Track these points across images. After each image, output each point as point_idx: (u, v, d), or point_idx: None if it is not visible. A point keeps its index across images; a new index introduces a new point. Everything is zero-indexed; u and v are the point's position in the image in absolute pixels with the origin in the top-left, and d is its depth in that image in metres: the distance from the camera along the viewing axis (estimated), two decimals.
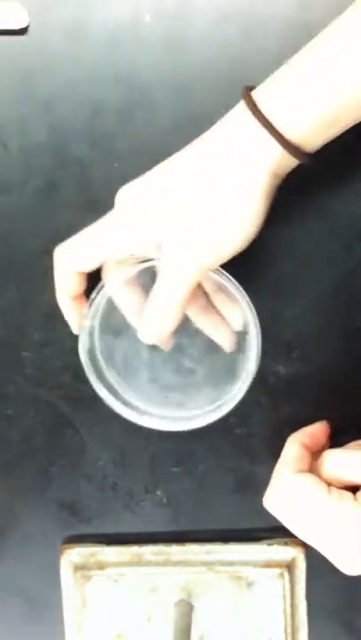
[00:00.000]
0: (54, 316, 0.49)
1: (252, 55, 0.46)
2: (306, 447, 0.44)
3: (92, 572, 0.51)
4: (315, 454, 0.44)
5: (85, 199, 0.48)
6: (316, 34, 0.39)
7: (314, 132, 0.39)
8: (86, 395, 0.50)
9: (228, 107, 0.41)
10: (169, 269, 0.41)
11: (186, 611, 0.51)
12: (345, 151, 0.46)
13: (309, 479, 0.41)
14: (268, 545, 0.51)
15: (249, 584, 0.51)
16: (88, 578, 0.52)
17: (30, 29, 0.46)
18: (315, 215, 0.48)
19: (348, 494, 0.41)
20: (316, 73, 0.38)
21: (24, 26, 0.46)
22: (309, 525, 0.41)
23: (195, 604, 0.51)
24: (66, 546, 0.52)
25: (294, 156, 0.40)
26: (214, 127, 0.41)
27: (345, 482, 0.42)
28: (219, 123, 0.41)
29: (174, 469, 0.51)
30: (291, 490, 0.42)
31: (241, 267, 0.48)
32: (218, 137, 0.41)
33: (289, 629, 0.51)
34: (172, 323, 0.42)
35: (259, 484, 0.50)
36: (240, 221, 0.41)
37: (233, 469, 0.51)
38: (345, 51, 0.37)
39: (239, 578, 0.51)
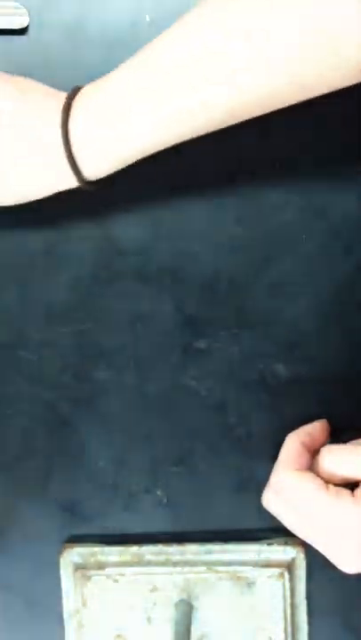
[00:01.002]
0: (54, 315, 0.49)
1: None
2: (305, 445, 0.44)
3: (92, 572, 0.51)
4: (314, 452, 0.45)
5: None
6: None
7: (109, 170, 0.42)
8: (86, 395, 0.50)
9: None
10: None
11: (186, 611, 0.51)
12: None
13: (308, 477, 0.41)
14: (268, 545, 0.51)
15: (249, 584, 0.51)
16: (88, 577, 0.52)
17: (30, 29, 0.46)
18: (315, 215, 0.48)
19: (346, 492, 0.41)
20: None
21: (24, 26, 0.46)
22: (308, 524, 0.41)
23: (195, 604, 0.51)
24: (66, 546, 0.52)
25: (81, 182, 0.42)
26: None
27: (344, 478, 0.42)
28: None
29: (174, 469, 0.51)
30: (289, 488, 0.42)
31: (241, 267, 0.48)
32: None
33: (289, 629, 0.51)
34: None
35: (259, 484, 0.50)
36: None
37: (233, 469, 0.51)
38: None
39: (239, 578, 0.51)
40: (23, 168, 0.41)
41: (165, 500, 0.52)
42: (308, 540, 0.42)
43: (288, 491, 0.42)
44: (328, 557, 0.41)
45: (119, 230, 0.49)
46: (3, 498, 0.52)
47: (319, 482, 0.41)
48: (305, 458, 0.44)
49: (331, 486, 0.41)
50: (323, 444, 0.46)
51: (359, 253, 0.48)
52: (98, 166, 0.41)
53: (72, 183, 0.42)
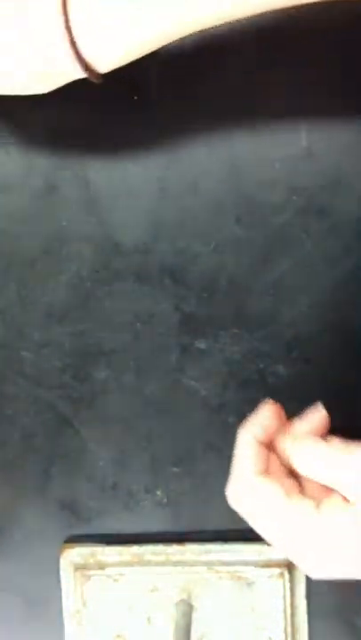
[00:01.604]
0: (54, 315, 0.49)
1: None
2: (260, 442, 0.42)
3: (92, 572, 0.51)
4: (273, 439, 0.43)
5: (85, 199, 0.48)
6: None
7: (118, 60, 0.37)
8: (86, 395, 0.50)
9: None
10: None
11: (186, 611, 0.51)
12: (345, 151, 0.46)
13: (268, 486, 0.40)
14: (269, 545, 0.51)
15: (249, 584, 0.51)
16: (88, 577, 0.52)
17: None
18: (315, 215, 0.48)
19: (309, 503, 0.39)
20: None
21: None
22: (271, 530, 0.40)
23: (195, 604, 0.51)
24: (66, 545, 0.52)
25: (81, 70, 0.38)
26: None
27: (314, 476, 0.40)
28: None
29: (174, 469, 0.51)
30: (251, 493, 0.40)
31: (241, 267, 0.48)
32: None
33: (289, 629, 0.51)
34: None
35: None
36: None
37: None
38: None
39: (239, 578, 0.51)
40: (17, 51, 0.37)
41: (165, 500, 0.52)
42: (273, 544, 0.41)
43: (250, 495, 0.40)
44: (292, 561, 0.41)
45: (119, 230, 0.49)
46: (3, 498, 0.52)
47: (280, 489, 0.39)
48: (262, 456, 0.41)
49: (293, 495, 0.39)
50: (278, 429, 0.43)
51: (359, 253, 0.48)
52: (105, 53, 0.37)
53: (75, 73, 0.38)
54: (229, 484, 0.42)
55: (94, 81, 0.39)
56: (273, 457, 0.42)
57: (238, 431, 0.42)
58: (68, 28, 0.36)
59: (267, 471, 0.41)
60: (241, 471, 0.41)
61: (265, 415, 0.43)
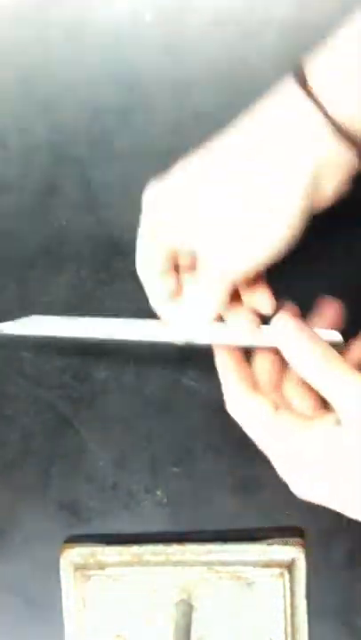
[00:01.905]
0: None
1: (251, 55, 0.46)
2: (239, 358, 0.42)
3: (92, 572, 0.51)
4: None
5: (85, 199, 0.48)
6: (316, 34, 0.38)
7: None
8: (86, 395, 0.50)
9: (228, 106, 0.41)
10: (205, 276, 0.39)
11: (186, 611, 0.51)
12: None
13: (255, 401, 0.39)
14: (268, 545, 0.51)
15: (249, 584, 0.51)
16: (88, 578, 0.52)
17: (30, 30, 0.46)
18: (315, 215, 0.48)
19: (298, 418, 0.39)
20: None
21: None
22: (263, 443, 0.40)
23: (195, 604, 0.51)
24: (66, 546, 0.52)
25: (345, 142, 0.35)
26: (252, 111, 0.37)
27: (312, 380, 0.38)
28: (258, 105, 0.37)
29: (174, 469, 0.51)
30: (241, 409, 0.40)
31: None
32: (258, 121, 0.36)
33: (289, 629, 0.51)
34: (206, 319, 0.41)
35: (259, 484, 0.50)
36: (274, 222, 0.37)
37: (233, 469, 0.51)
38: None
39: (239, 578, 0.51)
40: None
41: (165, 500, 0.52)
42: (268, 455, 0.40)
43: (243, 412, 0.40)
44: (282, 476, 0.40)
45: (119, 230, 0.49)
46: (3, 498, 0.52)
47: (269, 406, 0.39)
48: (245, 372, 0.41)
49: (281, 411, 0.39)
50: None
51: (359, 253, 0.48)
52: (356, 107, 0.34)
53: (341, 158, 0.36)
54: (225, 397, 0.41)
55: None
56: (261, 371, 0.42)
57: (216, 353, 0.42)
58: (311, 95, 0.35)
59: (255, 386, 0.41)
60: (229, 388, 0.41)
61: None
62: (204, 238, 0.39)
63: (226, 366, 0.42)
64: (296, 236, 0.38)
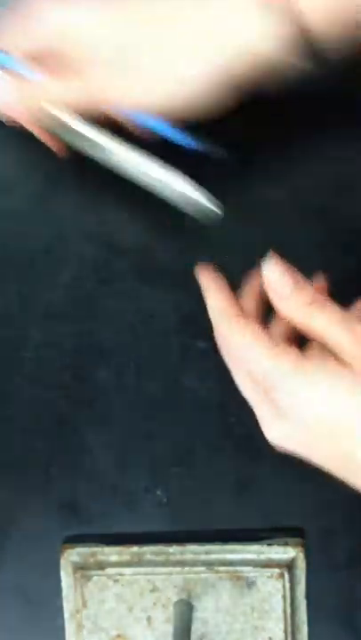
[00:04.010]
0: (54, 315, 0.49)
1: None
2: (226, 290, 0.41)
3: (92, 572, 0.51)
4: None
5: (85, 199, 0.48)
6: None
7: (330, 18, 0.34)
8: (86, 395, 0.50)
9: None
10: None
11: (186, 611, 0.51)
12: (345, 151, 0.46)
13: (250, 327, 0.37)
14: (268, 545, 0.51)
15: (249, 584, 0.51)
16: (88, 578, 0.52)
17: None
18: (315, 215, 0.48)
19: (294, 350, 0.36)
20: None
21: None
22: (249, 375, 0.38)
23: (195, 604, 0.51)
24: (66, 546, 0.52)
25: (273, 29, 0.34)
26: None
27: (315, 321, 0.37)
28: None
29: (174, 469, 0.51)
30: (234, 336, 0.38)
31: (241, 267, 0.48)
32: None
33: (289, 629, 0.51)
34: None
35: (259, 484, 0.50)
36: (174, 74, 0.37)
37: (233, 469, 0.51)
38: None
39: (239, 578, 0.51)
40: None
41: (165, 500, 0.52)
42: (249, 400, 0.38)
43: (228, 344, 0.38)
44: (261, 417, 0.38)
45: (119, 230, 0.49)
46: (3, 498, 0.52)
47: (260, 332, 0.37)
48: (235, 300, 0.40)
49: (280, 346, 0.37)
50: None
51: (359, 253, 0.48)
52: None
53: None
54: (215, 330, 0.40)
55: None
56: (248, 309, 0.40)
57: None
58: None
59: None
60: (220, 314, 0.39)
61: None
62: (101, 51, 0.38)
63: (216, 294, 0.40)
64: (191, 99, 0.38)
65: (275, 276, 0.38)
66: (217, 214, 0.42)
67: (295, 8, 0.34)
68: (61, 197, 0.48)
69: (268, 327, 0.40)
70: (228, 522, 0.52)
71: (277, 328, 0.40)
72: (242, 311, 0.39)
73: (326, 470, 0.37)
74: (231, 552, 0.51)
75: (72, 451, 0.51)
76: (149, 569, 0.51)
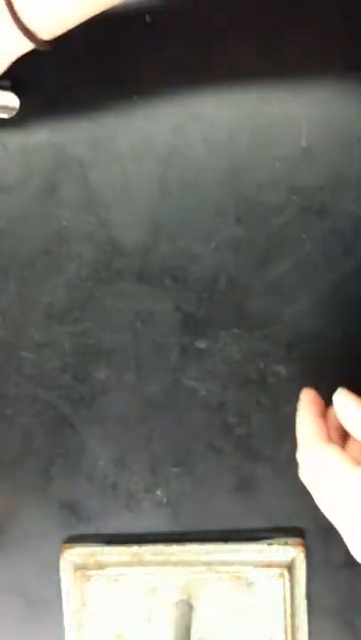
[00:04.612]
0: (54, 316, 0.49)
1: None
2: (319, 415, 0.43)
3: (92, 572, 0.51)
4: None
5: (85, 199, 0.48)
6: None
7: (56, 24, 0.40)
8: (86, 395, 0.50)
9: (229, 105, 0.41)
10: None
11: (186, 611, 0.51)
12: (344, 151, 0.46)
13: (335, 453, 0.40)
14: (268, 545, 0.51)
15: (249, 584, 0.51)
16: (88, 578, 0.52)
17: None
18: (315, 215, 0.48)
19: None
20: None
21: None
22: (331, 499, 0.39)
23: (195, 604, 0.51)
24: (66, 546, 0.52)
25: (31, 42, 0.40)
26: None
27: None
28: None
29: (174, 469, 0.51)
30: (318, 460, 0.40)
31: (241, 267, 0.48)
32: None
33: (289, 629, 0.51)
34: None
35: (259, 484, 0.50)
36: None
37: (233, 469, 0.51)
38: None
39: (239, 578, 0.51)
40: None
41: (165, 500, 0.52)
42: (331, 519, 0.40)
43: (313, 468, 0.40)
44: (346, 541, 0.39)
45: (119, 230, 0.49)
46: (3, 497, 0.52)
47: (344, 457, 0.39)
48: (323, 426, 0.42)
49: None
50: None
51: (359, 253, 0.48)
52: (45, 23, 0.40)
53: (24, 45, 0.41)
54: (299, 452, 0.42)
55: (42, 48, 0.41)
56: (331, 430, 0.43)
57: (299, 408, 0.43)
58: (10, 5, 0.39)
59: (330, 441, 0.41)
60: (307, 440, 0.41)
61: (311, 396, 0.44)
62: None
63: (308, 422, 0.42)
64: None
65: (346, 408, 0.41)
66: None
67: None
68: (61, 197, 0.48)
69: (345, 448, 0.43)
70: (228, 522, 0.52)
71: (355, 447, 0.43)
72: (327, 437, 0.42)
73: None
74: (231, 552, 0.51)
75: (72, 451, 0.51)
76: (149, 569, 0.51)
